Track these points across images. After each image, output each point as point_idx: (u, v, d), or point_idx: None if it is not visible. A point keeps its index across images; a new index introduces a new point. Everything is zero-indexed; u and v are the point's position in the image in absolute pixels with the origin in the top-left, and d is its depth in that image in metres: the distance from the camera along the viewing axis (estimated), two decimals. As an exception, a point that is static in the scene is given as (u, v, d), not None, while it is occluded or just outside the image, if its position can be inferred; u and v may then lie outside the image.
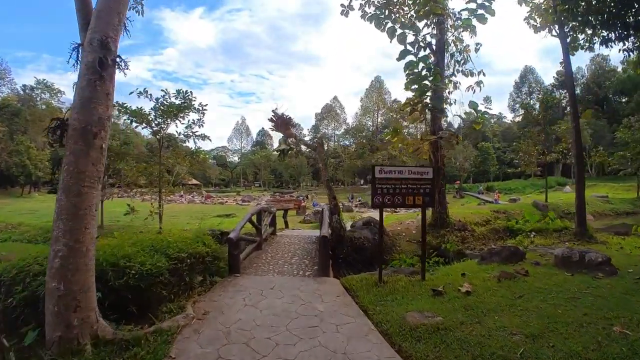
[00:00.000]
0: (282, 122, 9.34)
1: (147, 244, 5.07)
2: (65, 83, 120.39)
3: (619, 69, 64.62)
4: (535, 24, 15.01)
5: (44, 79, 55.88)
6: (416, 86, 12.99)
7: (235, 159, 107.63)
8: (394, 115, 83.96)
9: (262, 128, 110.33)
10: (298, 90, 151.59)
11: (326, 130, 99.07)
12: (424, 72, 11.53)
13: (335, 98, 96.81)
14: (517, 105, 75.40)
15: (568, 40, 13.60)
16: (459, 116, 13.16)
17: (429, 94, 13.02)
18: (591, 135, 48.43)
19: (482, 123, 12.80)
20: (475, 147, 66.95)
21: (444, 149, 12.57)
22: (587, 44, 14.03)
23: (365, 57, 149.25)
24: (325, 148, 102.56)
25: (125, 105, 12.22)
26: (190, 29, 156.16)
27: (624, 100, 61.92)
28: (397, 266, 8.18)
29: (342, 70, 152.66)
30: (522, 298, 5.39)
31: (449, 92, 12.85)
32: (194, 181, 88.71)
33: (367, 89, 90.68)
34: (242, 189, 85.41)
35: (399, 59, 11.72)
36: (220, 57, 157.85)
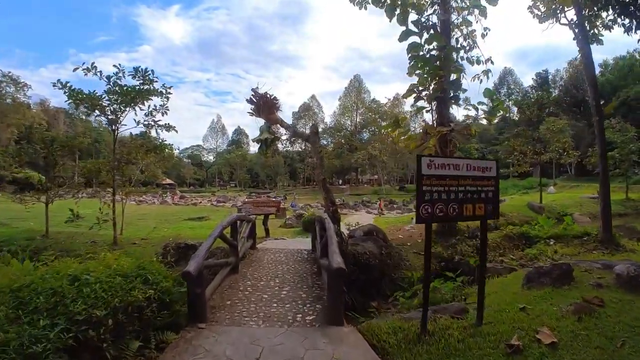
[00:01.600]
0: (264, 104, 7.14)
1: (45, 290, 2.90)
2: (37, 79, 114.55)
3: (597, 72, 65.64)
4: (538, 13, 13.92)
5: (10, 72, 51.12)
6: (420, 71, 11.22)
7: (211, 158, 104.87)
8: (372, 115, 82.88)
9: (238, 127, 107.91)
10: (275, 90, 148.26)
11: (304, 130, 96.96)
12: (432, 53, 9.81)
13: (313, 97, 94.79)
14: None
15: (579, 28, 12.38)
16: (473, 106, 11.35)
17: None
18: (572, 136, 48.37)
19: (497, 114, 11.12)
20: (455, 147, 66.10)
21: (453, 143, 10.73)
22: (595, 37, 12.94)
23: (342, 58, 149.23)
24: (302, 148, 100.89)
25: (68, 84, 9.72)
26: (166, 26, 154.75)
27: (601, 102, 62.81)
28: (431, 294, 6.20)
29: (319, 71, 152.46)
30: (625, 347, 3.62)
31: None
32: (168, 181, 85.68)
33: (346, 88, 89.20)
34: (218, 189, 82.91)
35: (400, 40, 10.10)
36: (196, 55, 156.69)
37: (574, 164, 48.48)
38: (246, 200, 44.63)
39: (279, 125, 7.94)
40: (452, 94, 11.06)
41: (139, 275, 3.49)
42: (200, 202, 46.53)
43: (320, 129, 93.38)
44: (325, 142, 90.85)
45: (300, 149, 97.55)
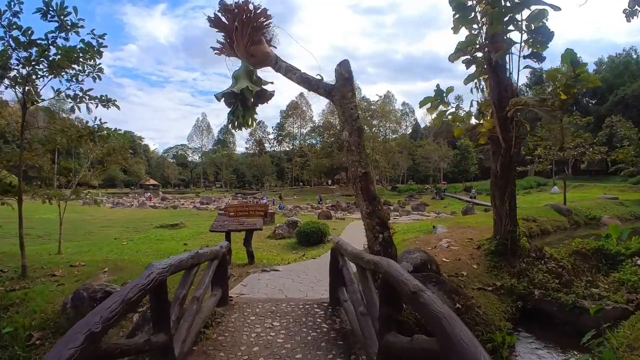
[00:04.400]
0: (242, 26, 3.39)
1: None
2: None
3: (591, 70, 64.62)
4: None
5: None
6: (467, 27, 8.00)
7: (196, 158, 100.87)
8: (362, 113, 79.67)
9: (224, 126, 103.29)
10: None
11: (292, 129, 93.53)
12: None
13: (301, 95, 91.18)
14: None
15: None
16: (552, 73, 7.90)
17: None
18: (573, 133, 46.26)
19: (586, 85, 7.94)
20: (452, 145, 64.33)
21: (519, 126, 7.49)
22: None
23: (327, 58, 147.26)
24: (291, 147, 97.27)
25: None
26: (152, 25, 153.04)
27: (593, 102, 62.17)
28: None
29: (304, 70, 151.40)
30: None
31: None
32: (153, 181, 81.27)
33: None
34: (202, 190, 79.33)
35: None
36: (182, 54, 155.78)
37: (571, 163, 46.29)
38: (231, 202, 40.88)
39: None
40: (516, 55, 7.94)
41: None
42: (183, 205, 42.62)
43: (308, 128, 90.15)
44: (314, 142, 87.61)
45: (287, 148, 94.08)
